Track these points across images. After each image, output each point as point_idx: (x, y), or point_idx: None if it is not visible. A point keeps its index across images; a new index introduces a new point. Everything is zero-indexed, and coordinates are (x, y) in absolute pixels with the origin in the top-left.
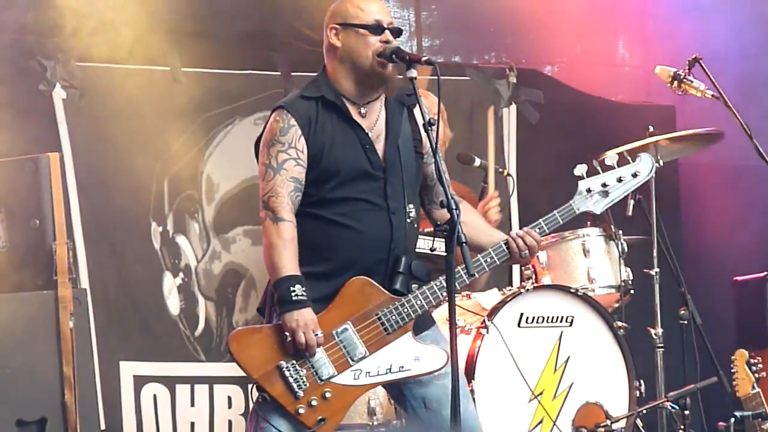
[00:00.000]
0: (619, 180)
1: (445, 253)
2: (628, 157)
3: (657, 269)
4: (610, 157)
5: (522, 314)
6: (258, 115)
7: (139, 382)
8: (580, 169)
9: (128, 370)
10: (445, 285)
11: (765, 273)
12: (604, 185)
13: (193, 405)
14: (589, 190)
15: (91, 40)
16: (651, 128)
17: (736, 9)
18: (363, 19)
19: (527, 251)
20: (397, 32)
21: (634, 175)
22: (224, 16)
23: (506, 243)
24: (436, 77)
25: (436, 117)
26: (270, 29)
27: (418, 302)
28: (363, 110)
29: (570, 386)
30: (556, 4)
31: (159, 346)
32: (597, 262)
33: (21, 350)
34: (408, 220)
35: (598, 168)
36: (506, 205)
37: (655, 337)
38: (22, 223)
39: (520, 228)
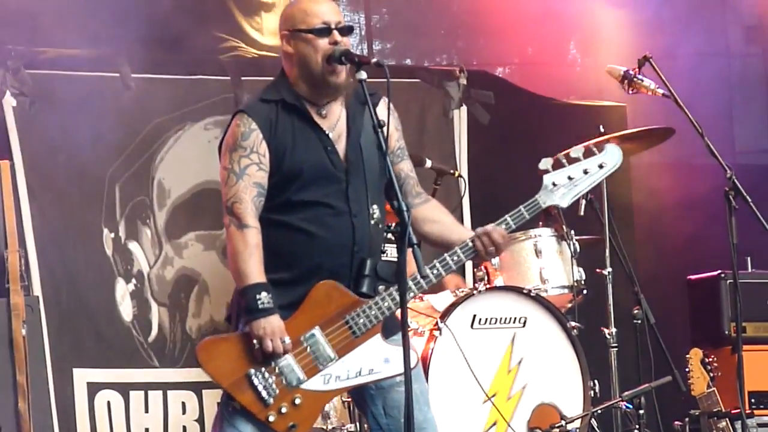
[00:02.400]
0: (585, 172)
1: (395, 258)
2: (594, 149)
3: (610, 269)
4: (576, 149)
5: (475, 316)
6: (208, 120)
7: (93, 389)
8: (545, 163)
9: (82, 377)
10: (412, 285)
11: (719, 272)
12: (570, 178)
13: (147, 411)
14: (554, 184)
15: (40, 47)
16: (601, 127)
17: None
18: (310, 23)
19: (493, 248)
20: (347, 30)
21: (601, 166)
22: (172, 21)
23: (472, 240)
24: (385, 80)
25: (385, 119)
26: (218, 34)
27: (386, 304)
28: (323, 111)
29: (524, 387)
30: (507, 6)
31: (112, 353)
32: (549, 263)
33: None
34: (372, 222)
35: (564, 161)
36: (458, 206)
37: (608, 336)
38: None
39: (473, 228)
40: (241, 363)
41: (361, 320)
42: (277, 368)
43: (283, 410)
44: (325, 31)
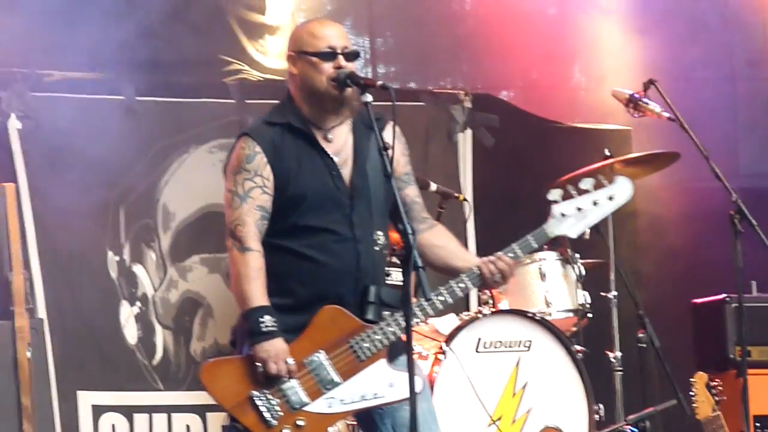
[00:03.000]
0: (595, 204)
1: (401, 283)
2: (604, 181)
3: (615, 292)
4: (586, 181)
5: (479, 339)
6: (213, 143)
7: (98, 411)
8: (555, 194)
9: (86, 399)
10: (417, 311)
11: (723, 296)
12: (579, 209)
13: None
14: (563, 215)
15: (46, 70)
16: (607, 151)
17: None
18: (316, 46)
19: (500, 275)
20: (353, 56)
21: (611, 198)
22: (177, 44)
23: (479, 267)
24: (390, 103)
25: (390, 142)
26: (223, 57)
27: (391, 329)
28: (329, 135)
29: (529, 411)
30: (512, 30)
31: (117, 376)
32: (554, 286)
33: None
34: (375, 248)
35: (573, 192)
36: (463, 229)
37: (613, 360)
38: None
39: (478, 252)
40: (244, 385)
41: (366, 345)
42: (280, 391)
43: None
44: (331, 55)
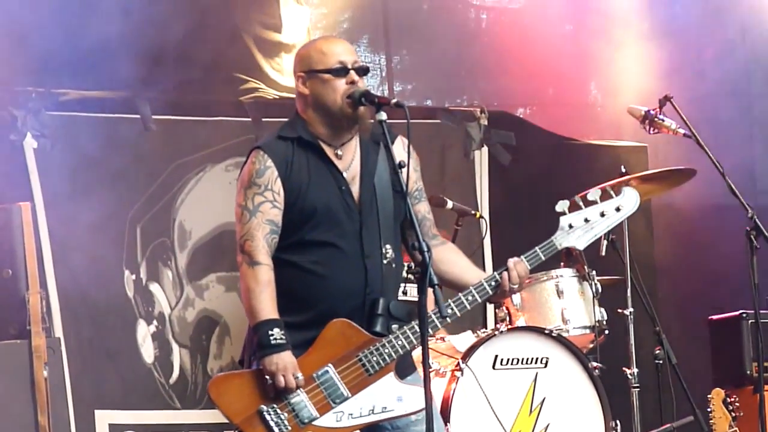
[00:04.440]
0: (602, 215)
1: (416, 299)
2: (611, 191)
3: (631, 309)
4: (593, 192)
5: (497, 356)
6: (229, 162)
7: (115, 430)
8: (562, 205)
9: (104, 418)
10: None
11: (740, 312)
12: (586, 220)
13: None
14: (570, 226)
15: (61, 89)
16: (623, 168)
17: (707, 48)
18: (326, 63)
19: (517, 283)
20: (363, 71)
21: (618, 209)
22: (194, 62)
23: (500, 273)
24: (406, 120)
25: (405, 160)
26: (239, 75)
27: (399, 342)
28: (339, 152)
29: (546, 428)
30: (528, 47)
31: (134, 394)
32: (571, 303)
33: None
34: (384, 262)
35: (581, 203)
36: (479, 247)
37: (630, 377)
38: None
39: (494, 269)
40: (253, 399)
41: (375, 358)
42: (289, 405)
43: None
44: (342, 71)
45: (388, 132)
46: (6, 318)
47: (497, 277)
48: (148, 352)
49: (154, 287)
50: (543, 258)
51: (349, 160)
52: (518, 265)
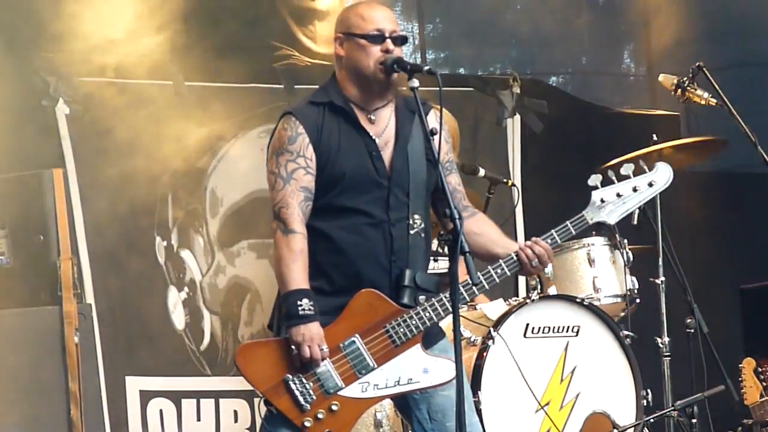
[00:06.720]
0: (635, 189)
1: (445, 271)
2: (644, 167)
3: (663, 278)
4: (626, 166)
5: (528, 324)
6: (261, 129)
7: (145, 396)
8: (595, 180)
9: (134, 385)
10: (463, 292)
11: None
12: (618, 195)
13: (199, 419)
14: (602, 200)
15: (93, 55)
16: (655, 137)
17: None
18: (364, 28)
19: (537, 260)
20: (401, 40)
21: (650, 185)
22: (226, 29)
23: (516, 254)
24: (438, 88)
25: (438, 127)
26: (272, 42)
27: (427, 314)
28: (372, 117)
29: (576, 396)
30: (561, 16)
31: (164, 361)
32: (602, 272)
33: (26, 366)
34: (412, 232)
35: (613, 177)
36: (511, 215)
37: (661, 346)
38: (27, 239)
39: (526, 237)
40: (279, 368)
41: (402, 330)
42: (314, 375)
43: (320, 416)
44: (379, 38)
45: (419, 100)
46: (37, 284)
47: (514, 258)
48: (179, 318)
49: (186, 254)
50: (573, 233)
51: (382, 126)
52: (535, 246)
